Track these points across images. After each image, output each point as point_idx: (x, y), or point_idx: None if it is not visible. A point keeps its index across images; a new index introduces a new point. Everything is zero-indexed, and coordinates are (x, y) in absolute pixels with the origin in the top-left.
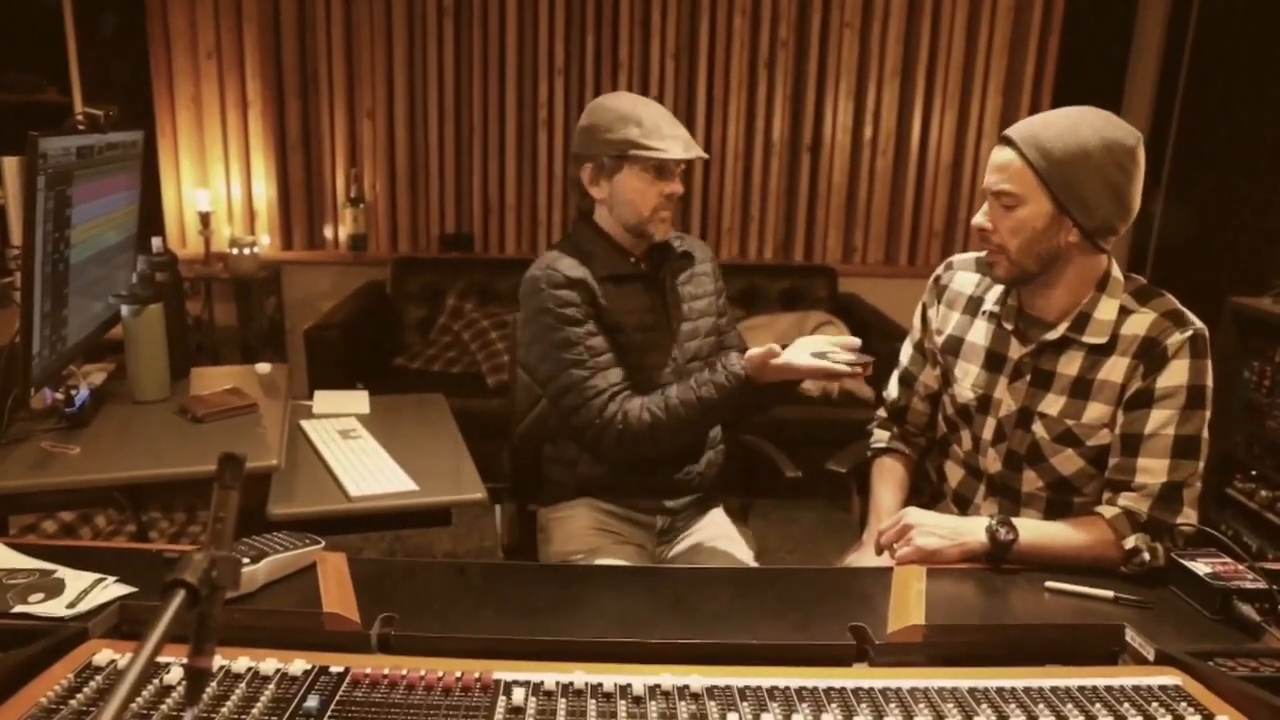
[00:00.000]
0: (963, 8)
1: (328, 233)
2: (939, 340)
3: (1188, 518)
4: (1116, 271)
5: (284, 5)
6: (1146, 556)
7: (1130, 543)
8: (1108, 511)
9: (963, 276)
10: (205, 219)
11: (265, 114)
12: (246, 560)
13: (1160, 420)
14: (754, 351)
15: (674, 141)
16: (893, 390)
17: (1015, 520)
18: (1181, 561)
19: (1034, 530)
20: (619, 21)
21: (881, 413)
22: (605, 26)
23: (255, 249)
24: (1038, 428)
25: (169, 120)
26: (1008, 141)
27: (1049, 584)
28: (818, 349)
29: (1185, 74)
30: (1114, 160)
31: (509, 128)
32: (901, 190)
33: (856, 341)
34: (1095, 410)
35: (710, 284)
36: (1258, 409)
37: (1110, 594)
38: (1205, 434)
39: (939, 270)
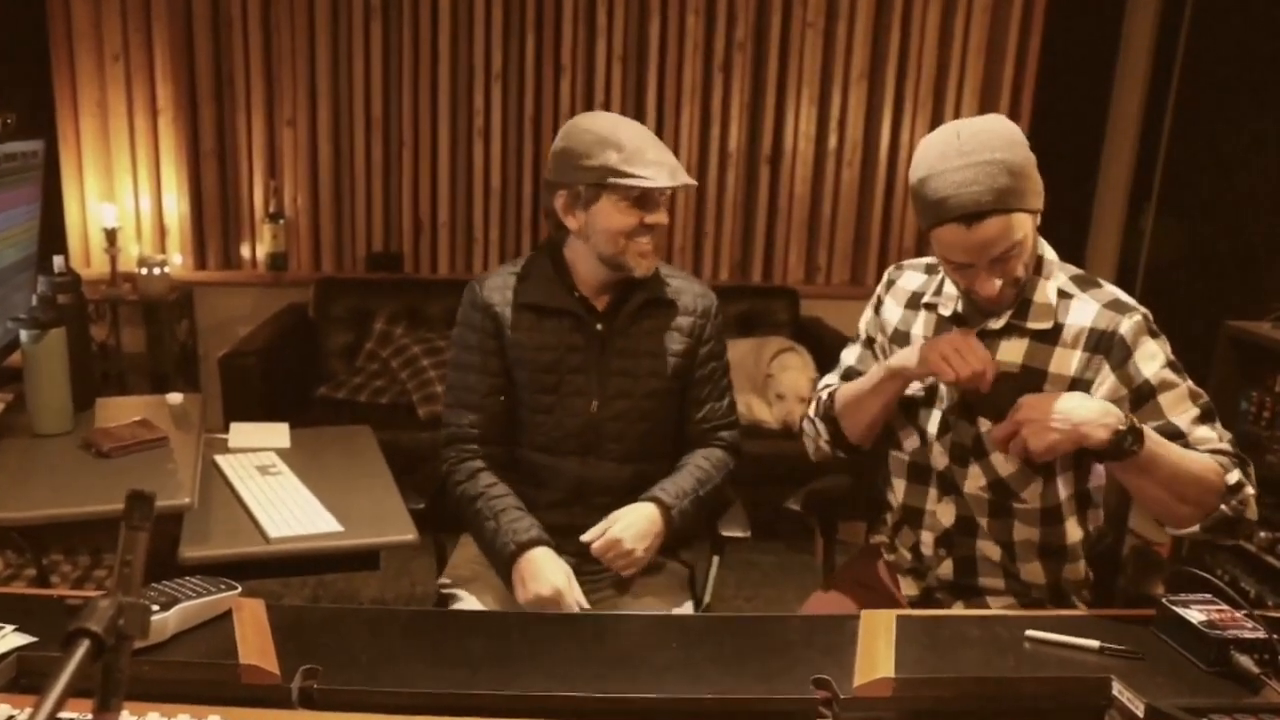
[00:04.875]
0: (935, 6)
1: (245, 251)
2: (887, 332)
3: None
4: (1049, 252)
5: (196, 3)
6: (1250, 491)
7: (1234, 477)
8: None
9: (911, 275)
10: (111, 236)
11: (176, 121)
12: (156, 607)
13: (1173, 404)
14: (522, 571)
15: (658, 168)
16: (833, 379)
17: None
18: (1173, 608)
19: (1157, 441)
20: (561, 21)
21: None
22: (546, 27)
23: (166, 269)
24: (982, 420)
25: (72, 128)
26: (984, 214)
27: (1029, 633)
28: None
29: (1177, 79)
30: (1026, 145)
31: (441, 138)
32: (868, 205)
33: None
34: None
35: (680, 341)
36: (1256, 442)
37: (1096, 644)
38: None
39: (890, 270)
